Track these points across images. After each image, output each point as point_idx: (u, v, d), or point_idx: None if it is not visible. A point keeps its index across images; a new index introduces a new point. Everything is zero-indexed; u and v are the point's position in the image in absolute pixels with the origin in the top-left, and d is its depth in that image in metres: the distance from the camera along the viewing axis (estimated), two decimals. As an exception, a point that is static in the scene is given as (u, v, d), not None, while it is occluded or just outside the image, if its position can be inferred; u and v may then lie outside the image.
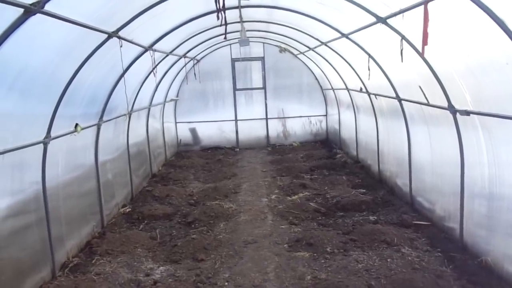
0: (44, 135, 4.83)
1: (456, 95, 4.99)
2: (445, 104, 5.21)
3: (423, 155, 6.50)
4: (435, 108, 5.64)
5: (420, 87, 5.81)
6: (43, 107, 4.78)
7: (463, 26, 4.29)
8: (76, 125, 5.60)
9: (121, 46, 5.76)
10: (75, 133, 5.58)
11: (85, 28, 4.55)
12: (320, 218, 6.96)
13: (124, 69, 6.59)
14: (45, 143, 4.83)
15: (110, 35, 5.34)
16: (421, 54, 4.47)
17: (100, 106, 6.58)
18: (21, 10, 3.35)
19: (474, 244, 5.08)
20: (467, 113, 4.75)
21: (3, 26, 3.37)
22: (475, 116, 4.71)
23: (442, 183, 5.90)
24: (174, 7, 6.38)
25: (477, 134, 4.82)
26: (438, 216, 6.05)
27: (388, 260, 5.19)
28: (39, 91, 4.56)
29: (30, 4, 3.35)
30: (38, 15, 3.50)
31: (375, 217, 6.73)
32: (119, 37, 5.61)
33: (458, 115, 5.05)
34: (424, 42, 4.03)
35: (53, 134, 4.96)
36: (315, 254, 5.53)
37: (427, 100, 5.76)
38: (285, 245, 5.93)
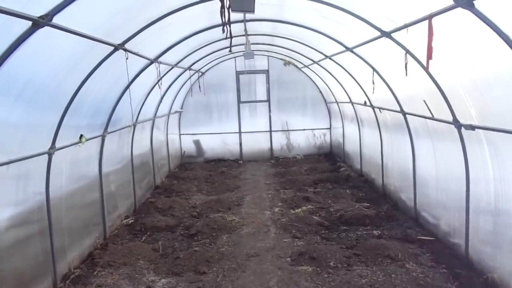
0: (49, 145, 4.86)
1: (461, 110, 4.98)
2: (450, 119, 5.19)
3: (428, 170, 6.46)
4: (440, 122, 5.63)
5: (424, 101, 5.81)
6: (48, 117, 4.81)
7: (467, 40, 4.30)
8: (81, 136, 5.63)
9: (127, 59, 5.82)
10: (80, 144, 5.60)
11: (91, 41, 4.60)
12: (323, 232, 6.91)
13: (129, 81, 6.64)
14: (50, 153, 4.85)
15: (116, 48, 5.39)
16: (426, 68, 4.48)
17: (105, 117, 6.61)
18: (30, 23, 3.39)
19: (479, 261, 5.01)
20: (472, 127, 4.73)
21: (12, 38, 3.42)
22: (481, 130, 4.69)
23: (447, 198, 5.86)
24: (180, 21, 6.45)
25: (483, 149, 4.79)
26: (443, 231, 5.99)
27: (392, 275, 5.12)
28: (45, 102, 4.60)
29: (39, 17, 3.40)
30: (46, 27, 3.54)
31: (379, 232, 6.66)
32: (125, 50, 5.67)
33: (463, 129, 5.03)
34: (429, 56, 4.04)
35: (58, 145, 4.98)
36: (318, 269, 5.47)
37: (432, 114, 5.75)
38: (288, 259, 5.88)
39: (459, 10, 3.66)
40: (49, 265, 4.97)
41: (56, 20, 3.60)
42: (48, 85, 4.50)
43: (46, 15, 3.46)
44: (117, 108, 6.79)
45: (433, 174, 6.27)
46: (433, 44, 4.05)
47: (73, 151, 5.51)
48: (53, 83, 4.58)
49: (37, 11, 3.39)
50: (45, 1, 3.44)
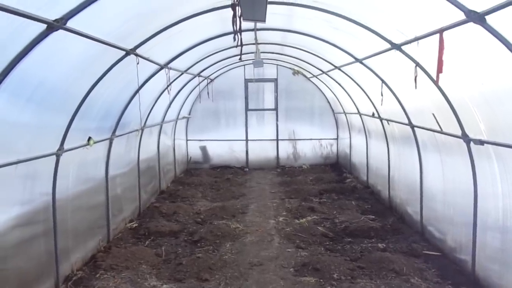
0: (57, 147, 4.89)
1: (470, 124, 4.95)
2: (459, 133, 5.16)
3: (435, 183, 6.41)
4: (448, 136, 5.59)
5: (433, 114, 5.78)
6: (58, 119, 4.86)
7: (478, 54, 4.29)
8: (89, 138, 5.67)
9: (137, 63, 5.87)
10: (88, 147, 5.64)
11: (103, 45, 4.65)
12: (327, 243, 6.86)
13: (139, 85, 6.69)
14: (57, 155, 4.89)
15: (128, 52, 5.44)
16: (436, 82, 4.47)
17: (113, 121, 6.66)
18: (44, 26, 3.45)
19: (486, 278, 4.94)
20: (481, 142, 4.70)
21: (26, 40, 3.47)
22: (490, 146, 4.65)
23: (454, 213, 5.80)
24: (191, 28, 6.50)
25: (492, 164, 4.75)
26: (449, 247, 5.92)
27: (397, 289, 5.06)
28: (55, 104, 4.64)
29: (53, 20, 3.45)
30: (60, 31, 3.59)
31: (384, 245, 6.60)
32: (137, 55, 5.72)
33: (472, 144, 4.99)
34: (439, 70, 4.03)
35: (66, 146, 5.02)
36: (321, 280, 5.42)
37: (440, 128, 5.72)
38: (291, 269, 5.84)
39: (471, 24, 3.66)
40: (52, 266, 4.98)
41: (70, 24, 3.65)
42: (59, 88, 4.55)
43: (61, 18, 3.52)
44: (126, 112, 6.84)
45: (440, 188, 6.21)
46: (443, 58, 4.04)
47: (81, 153, 5.55)
48: (64, 85, 4.63)
49: (52, 15, 3.44)
50: (60, 5, 3.50)
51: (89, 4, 3.68)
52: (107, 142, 6.61)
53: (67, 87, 4.71)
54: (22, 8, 3.02)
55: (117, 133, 6.79)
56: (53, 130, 4.83)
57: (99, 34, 4.42)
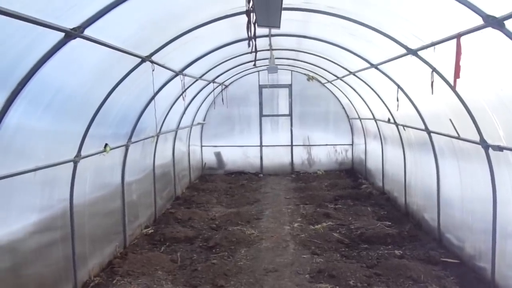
0: (75, 153, 4.97)
1: (488, 130, 4.86)
2: (477, 139, 5.07)
3: (453, 190, 6.30)
4: (466, 142, 5.50)
5: (450, 120, 5.70)
6: (75, 126, 4.94)
7: (496, 59, 4.22)
8: (106, 145, 5.74)
9: (153, 70, 5.93)
10: (104, 153, 5.71)
11: (120, 52, 4.72)
12: (343, 249, 6.79)
13: (154, 92, 6.76)
14: (75, 161, 4.96)
15: (143, 59, 5.51)
16: (453, 87, 4.40)
17: (129, 127, 6.73)
18: (62, 34, 3.52)
19: (506, 287, 4.82)
20: (500, 148, 4.60)
21: (45, 49, 3.55)
22: (509, 152, 4.56)
23: (473, 220, 5.68)
24: (206, 35, 6.56)
25: (511, 171, 4.64)
26: (468, 254, 5.80)
27: (414, 298, 4.98)
28: (73, 111, 4.72)
29: (71, 29, 3.52)
30: (77, 39, 3.66)
31: (401, 252, 6.50)
32: (152, 62, 5.78)
33: (490, 150, 4.90)
34: (456, 75, 3.97)
35: (83, 153, 5.09)
36: (337, 287, 5.37)
37: (458, 134, 5.63)
38: (306, 276, 5.79)
39: (489, 29, 3.60)
40: (70, 272, 5.04)
41: (87, 32, 3.72)
42: (76, 95, 4.63)
43: (79, 27, 3.59)
44: (141, 118, 6.91)
45: (458, 195, 6.10)
46: (460, 63, 3.98)
47: (97, 159, 5.62)
48: (81, 93, 4.71)
49: (70, 23, 3.51)
50: (78, 14, 3.57)
51: (106, 13, 3.74)
52: (123, 148, 6.68)
53: (84, 95, 4.79)
54: (41, 17, 3.08)
55: (133, 139, 6.86)
56: (70, 137, 4.91)
57: (116, 41, 4.49)
